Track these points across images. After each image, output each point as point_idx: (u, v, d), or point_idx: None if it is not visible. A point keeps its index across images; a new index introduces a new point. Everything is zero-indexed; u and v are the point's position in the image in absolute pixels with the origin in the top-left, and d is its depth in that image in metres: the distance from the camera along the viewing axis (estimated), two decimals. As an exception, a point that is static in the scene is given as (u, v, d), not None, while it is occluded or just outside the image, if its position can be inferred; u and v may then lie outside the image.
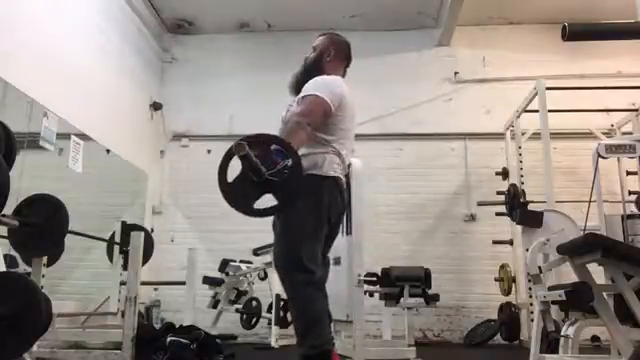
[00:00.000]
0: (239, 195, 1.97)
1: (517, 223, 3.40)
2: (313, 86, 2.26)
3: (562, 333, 2.67)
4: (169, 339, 3.12)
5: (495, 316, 5.15)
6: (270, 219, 2.30)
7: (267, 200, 2.04)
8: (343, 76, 2.53)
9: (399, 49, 6.33)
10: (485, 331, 5.21)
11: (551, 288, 2.48)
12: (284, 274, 2.19)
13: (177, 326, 3.44)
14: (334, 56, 2.49)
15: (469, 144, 6.02)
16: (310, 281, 2.15)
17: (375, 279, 3.98)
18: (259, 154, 1.94)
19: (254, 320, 5.11)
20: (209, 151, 6.24)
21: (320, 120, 2.21)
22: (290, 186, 1.98)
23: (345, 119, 2.32)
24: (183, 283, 4.42)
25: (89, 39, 4.83)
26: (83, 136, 4.39)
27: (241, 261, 5.06)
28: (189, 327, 3.43)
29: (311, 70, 2.42)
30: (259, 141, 1.99)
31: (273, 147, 2.02)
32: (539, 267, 2.60)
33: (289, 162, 1.96)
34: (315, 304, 2.14)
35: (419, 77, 6.25)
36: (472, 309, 5.55)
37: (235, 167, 2.01)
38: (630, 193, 5.15)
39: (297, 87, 2.41)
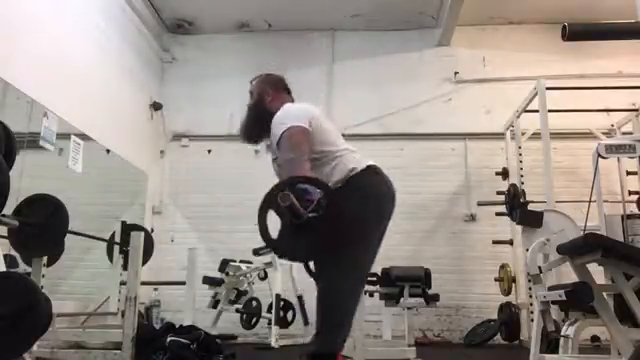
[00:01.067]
0: (290, 245, 1.96)
1: (517, 223, 3.40)
2: (279, 124, 2.24)
3: (562, 333, 2.67)
4: (169, 339, 3.12)
5: (495, 316, 5.15)
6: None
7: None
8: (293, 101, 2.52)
9: (399, 49, 6.33)
10: (485, 331, 5.21)
11: (551, 288, 2.48)
12: (329, 268, 2.12)
13: (177, 326, 3.43)
14: (273, 93, 2.47)
15: (469, 144, 6.02)
16: (357, 279, 2.15)
17: (375, 279, 3.98)
18: (295, 196, 1.91)
19: (254, 320, 5.11)
20: (209, 151, 6.25)
21: (308, 145, 2.19)
22: (334, 213, 1.96)
23: (325, 128, 2.31)
24: (183, 283, 4.42)
25: (89, 39, 4.83)
26: (83, 136, 4.39)
27: (241, 261, 5.06)
28: (189, 327, 3.43)
29: (257, 116, 2.43)
30: (288, 185, 1.96)
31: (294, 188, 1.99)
32: (539, 267, 2.60)
33: (320, 193, 1.96)
34: (351, 304, 2.13)
35: (419, 77, 6.25)
36: (472, 309, 5.55)
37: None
38: (630, 193, 5.15)
39: (247, 134, 2.46)
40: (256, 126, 2.41)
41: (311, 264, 2.27)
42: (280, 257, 1.99)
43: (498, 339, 5.09)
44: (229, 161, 6.12)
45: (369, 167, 2.28)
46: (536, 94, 4.49)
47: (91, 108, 4.71)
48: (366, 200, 2.21)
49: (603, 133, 5.45)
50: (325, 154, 2.25)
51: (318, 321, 2.12)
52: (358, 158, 2.30)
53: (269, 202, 1.92)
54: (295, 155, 2.13)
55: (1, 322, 2.10)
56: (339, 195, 2.05)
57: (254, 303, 5.09)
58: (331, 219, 1.95)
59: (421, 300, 3.92)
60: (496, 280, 5.24)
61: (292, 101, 2.50)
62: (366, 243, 2.22)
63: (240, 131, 2.51)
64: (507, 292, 5.11)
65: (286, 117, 2.25)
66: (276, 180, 2.28)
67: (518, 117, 5.12)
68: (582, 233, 2.61)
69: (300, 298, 4.96)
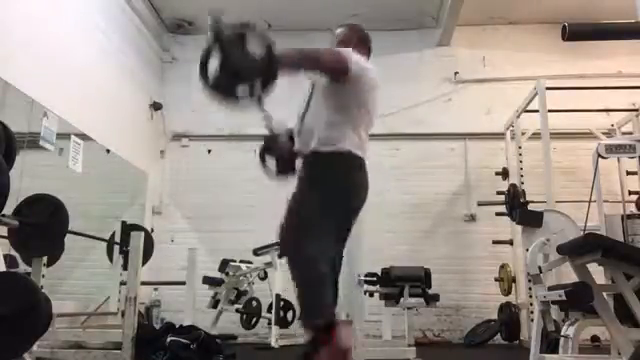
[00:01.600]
0: (219, 82, 1.95)
1: (517, 223, 3.40)
2: (342, 50, 2.24)
3: (562, 333, 2.67)
4: (169, 339, 3.12)
5: (495, 316, 5.15)
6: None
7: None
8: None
9: (399, 49, 6.33)
10: (485, 331, 5.21)
11: (551, 288, 2.48)
12: (293, 252, 2.07)
13: (177, 326, 3.44)
14: (357, 43, 2.44)
15: (469, 144, 6.02)
16: (320, 261, 2.03)
17: (375, 279, 3.98)
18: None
19: (254, 320, 5.11)
20: (209, 151, 6.25)
21: (333, 65, 2.17)
22: (265, 67, 1.92)
23: (363, 93, 2.26)
24: (183, 283, 4.42)
25: (89, 39, 4.83)
26: (83, 136, 4.39)
27: (241, 261, 5.05)
28: (189, 327, 3.43)
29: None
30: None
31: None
32: (539, 267, 2.60)
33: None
34: (322, 281, 2.02)
35: (419, 77, 6.25)
36: (472, 309, 5.55)
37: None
38: (630, 193, 5.15)
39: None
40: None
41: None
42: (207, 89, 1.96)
43: (498, 339, 5.09)
44: (229, 161, 6.12)
45: (360, 157, 2.20)
46: (536, 94, 4.49)
47: (91, 108, 4.71)
48: (348, 180, 2.15)
49: (603, 133, 5.45)
50: (351, 117, 2.21)
51: (299, 304, 2.04)
52: (360, 147, 2.22)
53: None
54: (318, 53, 2.16)
55: (1, 322, 2.10)
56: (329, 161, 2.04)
57: (254, 303, 5.09)
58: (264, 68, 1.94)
59: (421, 300, 3.92)
60: (496, 280, 5.24)
61: (368, 59, 2.45)
62: (338, 218, 2.10)
63: None
64: (507, 292, 5.11)
65: (347, 51, 2.23)
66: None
67: (518, 117, 5.12)
68: (582, 233, 2.62)
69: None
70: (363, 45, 2.46)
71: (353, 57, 2.19)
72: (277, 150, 2.25)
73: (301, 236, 2.03)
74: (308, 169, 2.14)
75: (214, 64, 1.90)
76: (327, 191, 2.07)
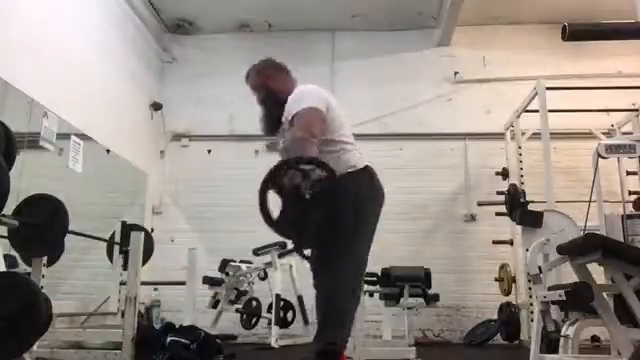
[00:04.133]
0: (288, 226, 2.00)
1: (517, 223, 3.39)
2: (294, 102, 2.22)
3: (562, 333, 2.67)
4: (169, 339, 3.11)
5: (495, 316, 5.15)
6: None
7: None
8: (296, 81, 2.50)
9: (399, 49, 6.33)
10: (485, 331, 5.21)
11: (551, 288, 2.48)
12: (326, 265, 2.14)
13: (177, 326, 3.43)
14: (275, 76, 2.47)
15: (469, 144, 6.02)
16: (356, 276, 2.16)
17: (375, 279, 3.98)
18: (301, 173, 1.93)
19: (254, 320, 5.11)
20: (209, 151, 6.25)
21: (319, 128, 2.18)
22: (331, 191, 1.97)
23: (338, 115, 2.31)
24: (183, 283, 4.42)
25: (89, 39, 4.83)
26: (83, 136, 4.39)
27: (241, 261, 5.05)
28: (189, 327, 3.43)
29: (273, 102, 2.38)
30: (293, 164, 1.96)
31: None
32: (539, 267, 2.60)
33: (322, 173, 1.95)
34: (352, 304, 2.14)
35: (419, 77, 6.25)
36: (472, 309, 5.55)
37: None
38: (630, 193, 5.15)
39: (269, 125, 2.42)
40: (274, 117, 2.35)
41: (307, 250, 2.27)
42: (280, 235, 1.99)
43: (498, 339, 5.09)
44: (229, 161, 6.12)
45: (366, 168, 2.29)
46: (536, 94, 4.49)
47: (91, 108, 4.71)
48: (359, 198, 2.22)
49: (603, 133, 5.45)
50: (334, 142, 2.25)
51: (319, 320, 2.12)
52: (359, 157, 2.30)
53: (272, 179, 1.91)
54: (305, 135, 2.10)
55: (1, 322, 2.10)
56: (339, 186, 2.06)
57: (254, 303, 5.09)
58: (330, 198, 1.95)
59: (421, 300, 3.93)
60: (496, 280, 5.24)
61: (292, 78, 2.47)
62: (362, 237, 2.22)
63: (262, 127, 2.46)
64: (507, 292, 5.11)
65: (303, 97, 2.24)
66: None
67: (518, 117, 5.12)
68: (582, 233, 2.61)
69: (300, 298, 4.96)
70: (277, 72, 2.50)
71: (313, 110, 2.18)
72: None
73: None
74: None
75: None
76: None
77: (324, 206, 1.96)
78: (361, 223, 2.22)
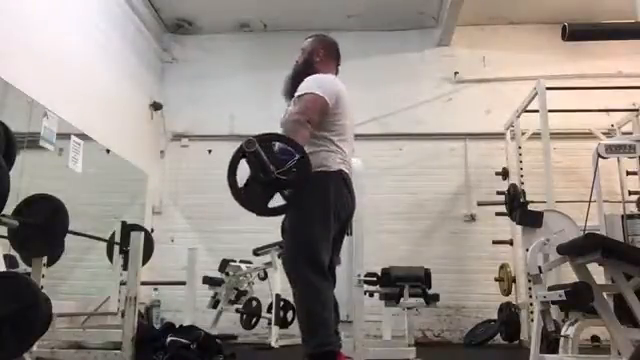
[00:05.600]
0: (251, 196, 2.01)
1: (517, 223, 3.39)
2: (307, 84, 2.26)
3: (562, 333, 2.67)
4: (169, 339, 3.11)
5: (495, 316, 5.15)
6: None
7: (277, 199, 2.09)
8: (336, 74, 2.53)
9: (399, 49, 6.33)
10: (485, 331, 5.21)
11: (551, 288, 2.48)
12: (293, 272, 2.17)
13: (177, 326, 3.44)
14: (324, 56, 2.48)
15: (469, 144, 6.02)
16: (318, 280, 2.14)
17: (375, 279, 3.98)
18: (267, 154, 1.96)
19: (254, 320, 5.11)
20: (209, 151, 6.25)
21: (318, 117, 2.20)
22: (300, 183, 2.00)
23: (343, 116, 2.32)
24: (183, 283, 4.42)
25: (89, 39, 4.83)
26: (83, 136, 4.39)
27: (241, 261, 5.05)
28: (189, 327, 3.43)
29: (302, 72, 2.41)
30: (265, 139, 1.99)
31: (278, 146, 2.04)
32: (539, 267, 2.60)
33: (296, 159, 1.98)
34: (323, 303, 2.13)
35: (419, 77, 6.25)
36: (472, 309, 5.55)
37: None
38: (630, 193, 5.15)
39: (291, 91, 2.40)
40: (297, 83, 2.36)
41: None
42: (241, 205, 2.03)
43: (498, 339, 5.09)
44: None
45: (340, 171, 2.27)
46: (536, 94, 4.49)
47: (91, 108, 4.71)
48: (325, 198, 2.20)
49: (603, 133, 5.45)
50: (328, 139, 2.25)
51: (302, 325, 2.14)
52: (339, 160, 2.28)
53: (240, 149, 1.95)
54: (300, 118, 2.13)
55: (1, 322, 2.10)
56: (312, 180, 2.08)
57: (254, 303, 5.09)
58: (294, 189, 2.02)
59: (421, 300, 3.92)
60: (496, 280, 5.24)
61: (336, 73, 2.51)
62: (327, 232, 2.20)
63: (283, 89, 2.48)
64: (507, 292, 5.11)
65: (317, 83, 2.26)
66: None
67: (518, 117, 5.12)
68: (582, 233, 2.61)
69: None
70: (329, 55, 2.51)
71: (319, 98, 2.21)
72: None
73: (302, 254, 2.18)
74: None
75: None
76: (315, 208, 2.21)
77: (287, 191, 2.05)
78: (322, 224, 2.19)
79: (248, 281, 5.15)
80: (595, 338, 4.75)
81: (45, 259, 2.81)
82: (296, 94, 2.26)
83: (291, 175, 1.98)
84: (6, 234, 2.68)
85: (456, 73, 6.20)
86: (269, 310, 4.81)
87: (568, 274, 2.69)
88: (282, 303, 4.82)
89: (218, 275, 4.97)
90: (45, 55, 4.04)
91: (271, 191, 2.04)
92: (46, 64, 4.04)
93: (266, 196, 2.04)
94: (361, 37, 6.38)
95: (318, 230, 2.17)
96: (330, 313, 2.15)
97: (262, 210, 2.05)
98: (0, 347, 2.11)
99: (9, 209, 2.48)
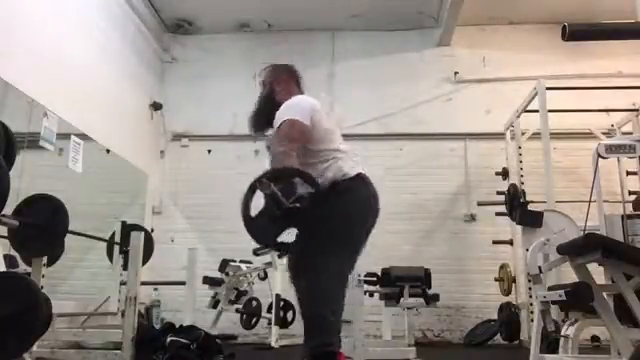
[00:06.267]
0: (260, 230, 2.10)
1: (517, 223, 3.40)
2: (280, 114, 2.29)
3: (562, 333, 2.67)
4: (169, 339, 3.11)
5: (495, 316, 5.15)
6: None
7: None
8: (302, 93, 2.55)
9: (399, 49, 6.33)
10: (485, 331, 5.21)
11: (551, 288, 2.48)
12: (312, 274, 2.15)
13: (177, 326, 3.44)
14: (284, 83, 2.51)
15: (469, 144, 6.02)
16: (337, 288, 2.16)
17: (375, 279, 3.99)
18: (282, 187, 2.01)
19: (254, 320, 5.11)
20: (209, 151, 6.25)
21: (302, 140, 2.23)
22: (308, 212, 2.03)
23: (325, 122, 2.34)
24: (183, 283, 4.42)
25: (89, 39, 4.83)
26: (83, 136, 4.39)
27: (241, 261, 5.05)
28: (189, 327, 3.43)
29: (266, 105, 2.45)
30: (275, 178, 2.04)
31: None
32: (539, 267, 2.60)
33: (307, 191, 2.04)
34: (334, 311, 2.13)
35: (419, 77, 6.25)
36: (472, 309, 5.55)
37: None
38: (630, 193, 5.15)
39: (254, 124, 2.48)
40: (264, 116, 2.42)
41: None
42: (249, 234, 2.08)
43: (498, 339, 5.09)
44: (229, 161, 6.12)
45: (359, 175, 2.29)
46: (536, 94, 4.49)
47: (91, 108, 4.71)
48: (352, 205, 2.24)
49: (603, 133, 5.45)
50: (322, 152, 2.28)
51: (307, 322, 2.13)
52: (351, 165, 2.30)
53: (253, 187, 2.04)
54: (285, 148, 2.17)
55: (1, 322, 2.10)
56: (327, 196, 2.12)
57: (254, 303, 5.09)
58: (312, 213, 2.03)
59: (421, 300, 3.93)
60: (496, 280, 5.24)
61: (301, 93, 2.52)
62: (350, 245, 2.25)
63: (249, 120, 2.52)
64: (507, 292, 5.11)
65: (289, 109, 2.29)
66: None
67: (518, 117, 5.12)
68: (582, 233, 2.61)
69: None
70: (289, 80, 2.54)
71: (295, 123, 2.24)
72: None
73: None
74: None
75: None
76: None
77: (302, 219, 2.07)
78: (353, 228, 2.24)
79: (248, 281, 5.15)
80: (595, 338, 4.75)
81: (45, 259, 2.81)
82: (275, 126, 2.29)
83: (303, 201, 2.02)
84: (6, 234, 2.68)
85: (456, 73, 6.20)
86: (269, 310, 4.81)
87: (568, 274, 2.69)
88: (282, 303, 4.82)
89: (218, 275, 4.97)
90: (45, 55, 4.04)
91: (282, 225, 2.12)
92: (46, 64, 4.04)
93: (275, 230, 2.13)
94: (361, 37, 6.39)
95: (344, 236, 2.20)
96: (339, 318, 2.15)
97: (270, 242, 2.17)
98: (0, 347, 2.11)
99: (9, 209, 2.48)
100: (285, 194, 2.00)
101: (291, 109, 2.28)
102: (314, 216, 2.08)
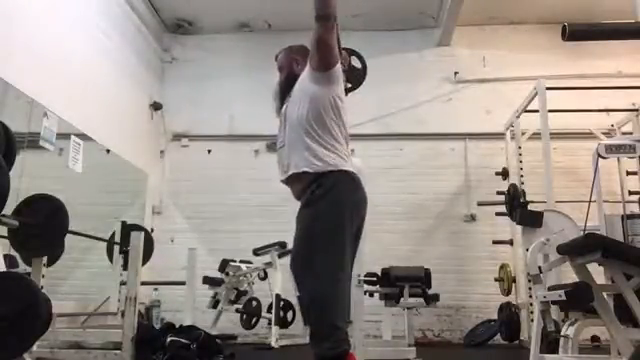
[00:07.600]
0: None
1: (517, 223, 3.40)
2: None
3: (562, 333, 2.67)
4: (169, 339, 3.12)
5: (495, 316, 5.15)
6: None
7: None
8: None
9: (399, 49, 6.33)
10: (485, 331, 5.21)
11: (551, 288, 2.48)
12: (321, 275, 2.13)
13: (177, 326, 3.44)
14: (302, 61, 2.47)
15: (469, 144, 6.02)
16: (340, 280, 2.14)
17: (375, 279, 3.99)
18: None
19: (254, 320, 5.11)
20: (209, 151, 6.25)
21: (335, 49, 2.25)
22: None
23: (343, 109, 2.37)
24: (183, 283, 4.42)
25: (89, 39, 4.83)
26: (83, 136, 4.39)
27: (241, 261, 5.05)
28: (189, 327, 3.43)
29: (289, 83, 2.42)
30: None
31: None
32: (539, 267, 2.60)
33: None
34: (338, 312, 2.10)
35: (419, 77, 6.25)
36: (472, 309, 5.55)
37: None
38: (630, 193, 5.15)
39: (281, 95, 2.45)
40: (288, 89, 2.38)
41: None
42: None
43: (498, 339, 5.09)
44: (229, 161, 6.12)
45: (347, 172, 2.23)
46: (536, 94, 4.49)
47: (91, 108, 4.71)
48: (340, 203, 2.17)
49: (603, 133, 5.45)
50: (327, 138, 2.26)
51: (315, 324, 2.11)
52: (344, 161, 2.26)
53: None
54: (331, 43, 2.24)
55: (1, 322, 2.10)
56: (316, 195, 2.10)
57: (254, 303, 5.09)
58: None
59: (421, 300, 3.93)
60: (496, 280, 5.24)
61: None
62: (344, 242, 2.17)
63: (274, 99, 2.50)
64: (507, 292, 5.11)
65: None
66: (277, 179, 2.28)
67: (518, 117, 5.12)
68: (582, 233, 2.61)
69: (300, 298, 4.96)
70: (307, 56, 2.46)
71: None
72: None
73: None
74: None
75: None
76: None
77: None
78: (344, 227, 2.16)
79: (248, 281, 5.15)
80: (595, 338, 4.75)
81: (45, 259, 2.81)
82: (302, 79, 2.30)
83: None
84: (6, 234, 2.68)
85: (456, 73, 6.20)
86: (269, 310, 4.81)
87: (568, 274, 2.70)
88: (282, 303, 4.83)
89: (218, 275, 4.97)
90: (45, 55, 4.04)
91: None
92: (46, 64, 4.04)
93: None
94: (363, 37, 6.36)
95: (340, 231, 2.15)
96: (345, 317, 2.14)
97: None
98: (0, 347, 2.11)
99: (9, 209, 2.48)
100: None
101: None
102: (310, 215, 2.07)
